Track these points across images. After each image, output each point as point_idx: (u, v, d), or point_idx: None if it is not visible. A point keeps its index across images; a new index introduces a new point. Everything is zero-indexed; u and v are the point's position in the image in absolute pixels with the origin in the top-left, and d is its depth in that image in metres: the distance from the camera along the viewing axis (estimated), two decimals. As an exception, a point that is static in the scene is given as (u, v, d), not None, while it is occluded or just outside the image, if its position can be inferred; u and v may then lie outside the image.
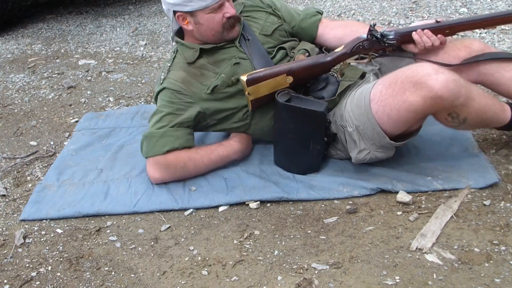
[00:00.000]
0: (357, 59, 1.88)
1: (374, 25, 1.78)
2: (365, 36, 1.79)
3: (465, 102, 1.56)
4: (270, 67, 1.83)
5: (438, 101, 1.53)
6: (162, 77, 1.89)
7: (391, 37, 1.78)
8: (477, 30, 2.99)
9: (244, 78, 1.80)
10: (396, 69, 1.85)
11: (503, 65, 1.76)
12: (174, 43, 1.99)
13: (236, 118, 1.91)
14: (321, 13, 2.06)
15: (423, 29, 1.74)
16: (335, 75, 1.87)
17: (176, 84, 1.85)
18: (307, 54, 1.91)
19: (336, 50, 1.83)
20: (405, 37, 1.77)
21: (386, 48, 1.81)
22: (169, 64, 1.92)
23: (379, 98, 1.63)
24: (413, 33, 1.75)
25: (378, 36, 1.77)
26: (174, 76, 1.87)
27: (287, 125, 1.78)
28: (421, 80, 1.53)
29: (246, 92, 1.82)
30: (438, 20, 1.75)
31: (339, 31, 1.97)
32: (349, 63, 1.87)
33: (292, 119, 1.76)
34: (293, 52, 1.94)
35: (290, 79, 1.80)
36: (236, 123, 1.92)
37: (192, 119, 1.86)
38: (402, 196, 1.66)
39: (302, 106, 1.74)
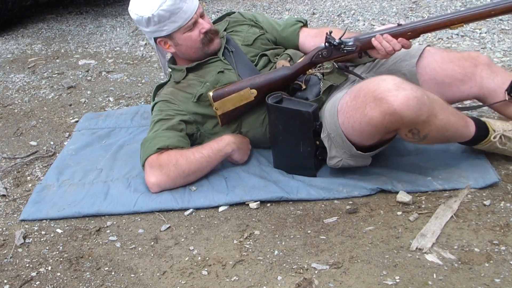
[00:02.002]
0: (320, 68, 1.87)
1: (331, 32, 1.76)
2: (323, 45, 1.78)
3: (427, 120, 1.52)
4: (234, 82, 1.87)
5: (397, 118, 1.50)
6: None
7: (350, 43, 1.74)
8: (477, 30, 2.99)
9: (210, 94, 1.86)
10: (396, 67, 1.85)
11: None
12: (168, 71, 2.09)
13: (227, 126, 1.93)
14: (303, 22, 2.06)
15: (382, 34, 1.69)
16: (318, 75, 1.87)
17: (164, 96, 1.96)
18: (289, 59, 1.92)
19: (298, 61, 1.84)
20: (365, 43, 1.73)
21: (347, 55, 1.78)
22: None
23: (345, 109, 1.62)
24: (372, 39, 1.70)
25: (335, 43, 1.75)
26: (163, 92, 2.00)
27: (277, 127, 1.80)
28: (381, 96, 1.49)
29: (214, 108, 1.87)
30: (400, 23, 1.71)
31: (318, 39, 1.95)
32: (314, 73, 1.85)
33: (280, 120, 1.77)
34: (276, 58, 1.97)
35: (254, 92, 1.83)
36: (228, 130, 1.93)
37: (184, 124, 1.89)
38: (402, 196, 1.66)
39: (288, 106, 1.74)
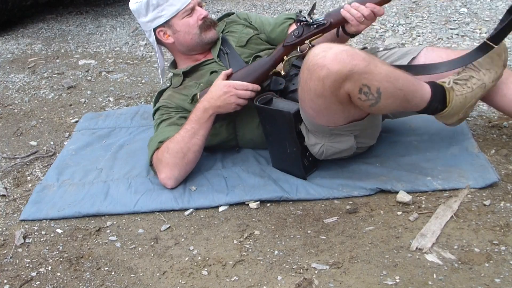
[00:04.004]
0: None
1: (301, 11, 1.72)
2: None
3: (368, 69, 1.46)
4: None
5: (334, 77, 1.46)
6: None
7: (320, 19, 1.70)
8: (477, 30, 2.99)
9: (198, 93, 1.89)
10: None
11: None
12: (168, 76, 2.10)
13: (222, 128, 1.93)
14: (293, 18, 2.01)
15: (350, 4, 1.65)
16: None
17: (163, 101, 1.99)
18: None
19: (275, 49, 1.82)
20: (336, 16, 1.68)
21: (320, 32, 1.72)
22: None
23: (299, 96, 1.63)
24: (341, 10, 1.66)
25: (303, 19, 1.71)
26: (162, 97, 2.02)
27: (265, 128, 1.81)
28: (312, 63, 1.49)
29: None
30: None
31: None
32: (294, 57, 1.82)
33: (266, 120, 1.78)
34: None
35: None
36: (224, 132, 1.94)
37: (184, 120, 1.89)
38: (402, 196, 1.66)
39: (271, 107, 1.74)
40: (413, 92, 1.58)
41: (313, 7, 1.73)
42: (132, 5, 1.94)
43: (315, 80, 1.50)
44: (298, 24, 1.74)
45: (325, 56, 1.47)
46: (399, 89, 1.53)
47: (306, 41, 1.75)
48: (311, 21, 1.71)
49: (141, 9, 1.92)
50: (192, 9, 1.93)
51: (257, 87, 1.80)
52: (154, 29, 1.96)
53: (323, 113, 1.60)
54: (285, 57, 1.80)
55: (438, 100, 1.63)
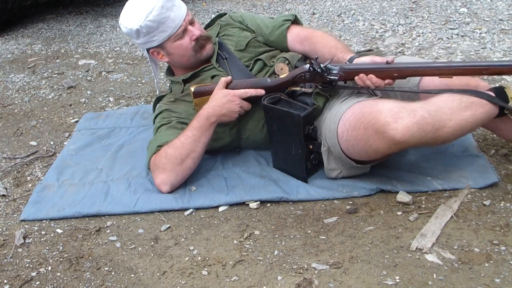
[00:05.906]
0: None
1: (317, 58, 1.72)
2: (307, 67, 1.74)
3: (436, 134, 1.52)
4: (215, 83, 1.85)
5: (403, 145, 1.54)
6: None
7: (334, 72, 1.71)
8: (477, 31, 2.99)
9: (192, 88, 1.87)
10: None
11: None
12: (167, 81, 2.08)
13: (226, 132, 1.92)
14: (291, 20, 2.00)
15: (367, 74, 1.65)
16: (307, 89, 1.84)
17: (164, 106, 1.97)
18: (287, 61, 1.90)
19: (281, 76, 1.81)
20: (350, 74, 1.69)
21: (329, 82, 1.75)
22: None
23: (346, 138, 1.63)
24: (356, 77, 1.67)
25: (318, 70, 1.72)
26: (163, 102, 2.01)
27: (271, 127, 1.81)
28: (381, 129, 1.51)
29: (193, 103, 1.88)
30: (389, 60, 1.66)
31: (306, 46, 1.93)
32: (294, 90, 1.82)
33: (274, 120, 1.79)
34: (272, 61, 1.94)
35: None
36: (227, 136, 1.93)
37: (185, 125, 1.88)
38: (402, 196, 1.66)
39: (281, 107, 1.75)
40: (479, 124, 1.64)
41: (331, 61, 1.72)
42: (122, 28, 1.88)
43: (382, 143, 1.54)
44: (312, 69, 1.73)
45: (397, 129, 1.49)
46: (466, 131, 1.61)
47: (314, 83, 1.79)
48: (326, 74, 1.72)
49: (132, 34, 1.87)
50: (184, 31, 1.87)
51: (260, 91, 1.80)
52: (148, 49, 1.93)
53: (367, 157, 1.65)
54: (289, 88, 1.81)
55: (504, 111, 1.62)
